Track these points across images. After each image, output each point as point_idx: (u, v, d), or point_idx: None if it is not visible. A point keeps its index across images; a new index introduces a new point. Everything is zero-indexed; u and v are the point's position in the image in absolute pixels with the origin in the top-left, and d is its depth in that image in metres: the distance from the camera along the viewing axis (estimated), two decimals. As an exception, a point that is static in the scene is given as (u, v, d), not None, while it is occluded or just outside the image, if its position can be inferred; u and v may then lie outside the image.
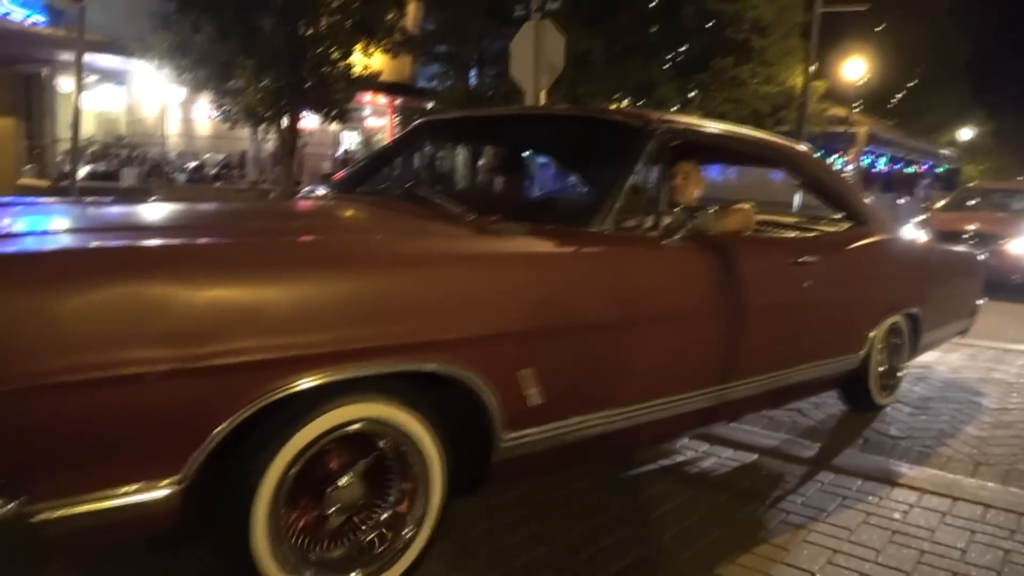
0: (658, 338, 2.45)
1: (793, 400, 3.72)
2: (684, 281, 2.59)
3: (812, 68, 13.08)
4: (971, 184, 15.55)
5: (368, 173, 3.45)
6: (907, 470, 3.19)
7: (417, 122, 3.59)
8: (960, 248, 5.42)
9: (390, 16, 14.12)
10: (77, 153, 11.55)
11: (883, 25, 27.92)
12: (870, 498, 2.89)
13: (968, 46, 37.32)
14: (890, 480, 3.06)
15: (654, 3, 20.35)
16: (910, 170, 30.30)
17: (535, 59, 8.00)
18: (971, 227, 10.19)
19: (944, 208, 12.07)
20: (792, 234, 3.55)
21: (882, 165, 27.53)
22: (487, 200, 3.43)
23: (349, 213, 2.68)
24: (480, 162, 14.78)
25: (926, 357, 5.06)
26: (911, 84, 35.59)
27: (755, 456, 3.31)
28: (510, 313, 1.98)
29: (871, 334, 3.69)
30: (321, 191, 3.39)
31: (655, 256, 2.49)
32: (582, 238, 2.29)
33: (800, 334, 3.23)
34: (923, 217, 11.32)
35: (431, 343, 1.82)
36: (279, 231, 2.16)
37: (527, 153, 4.89)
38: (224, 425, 1.55)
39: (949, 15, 34.57)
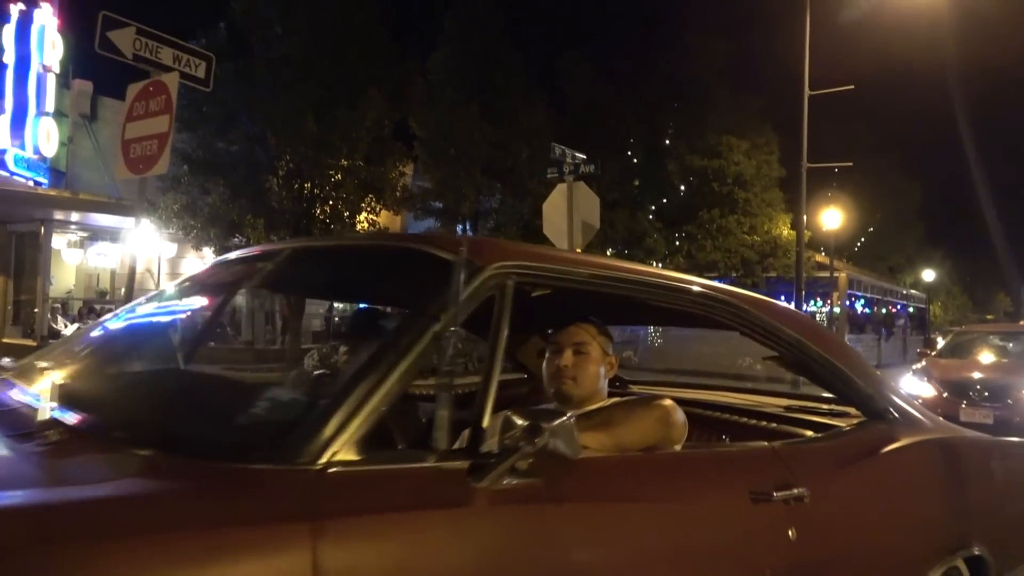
0: None
1: None
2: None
3: (804, 218, 13.66)
4: (962, 328, 15.75)
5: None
6: None
7: (214, 261, 2.69)
8: None
9: (393, 175, 14.50)
10: (63, 310, 11.19)
11: (841, 181, 29.75)
12: None
13: (918, 195, 39.79)
14: None
15: (636, 160, 21.38)
16: (883, 311, 31.31)
17: (569, 219, 8.09)
18: (976, 375, 9.33)
19: (941, 355, 11.23)
20: (763, 444, 2.08)
21: (858, 307, 28.45)
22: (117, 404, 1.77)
23: None
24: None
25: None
26: (870, 230, 37.44)
27: None
28: None
29: None
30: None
31: (442, 525, 1.35)
32: (251, 494, 1.23)
33: None
34: (920, 365, 11.01)
35: None
36: None
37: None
38: None
39: (898, 169, 37.17)
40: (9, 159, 14.31)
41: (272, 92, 12.93)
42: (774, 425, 2.44)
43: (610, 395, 2.15)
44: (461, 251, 1.58)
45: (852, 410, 2.40)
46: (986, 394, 8.82)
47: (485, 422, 1.45)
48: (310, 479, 1.26)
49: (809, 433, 2.28)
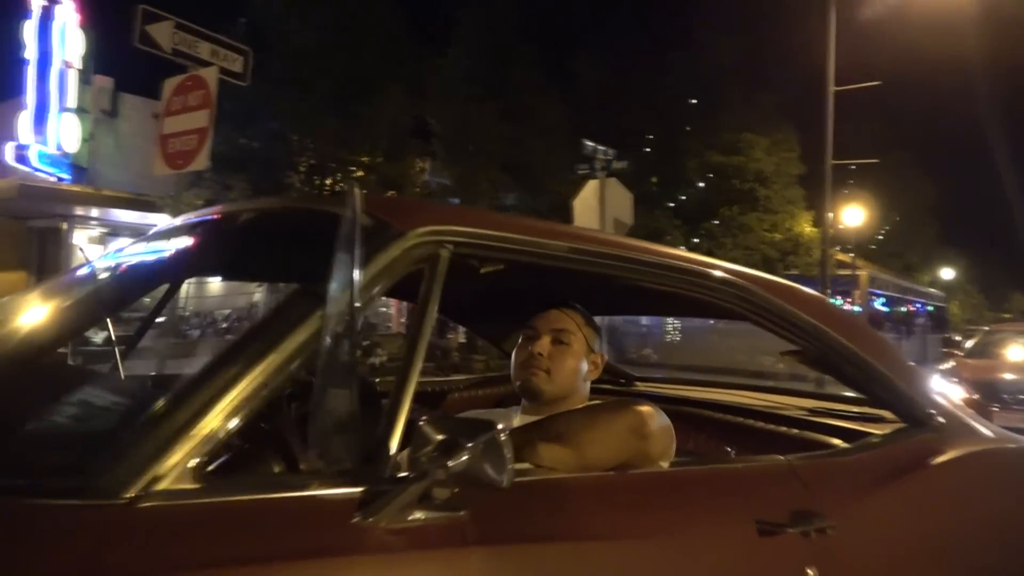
0: None
1: None
2: None
3: (831, 215, 13.53)
4: (992, 326, 15.49)
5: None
6: None
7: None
8: None
9: (413, 171, 14.47)
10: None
11: (859, 178, 29.54)
12: None
13: (935, 192, 39.50)
14: None
15: (654, 157, 21.26)
16: (903, 310, 31.05)
17: (601, 216, 8.01)
18: (1010, 376, 9.05)
19: (970, 355, 11.00)
20: (776, 458, 1.62)
21: (879, 306, 28.24)
22: None
23: None
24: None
25: None
26: (886, 228, 37.19)
27: None
28: None
29: None
30: None
31: None
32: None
33: None
34: (949, 365, 10.78)
35: None
36: None
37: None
38: None
39: (915, 166, 36.89)
40: (32, 155, 14.32)
41: (292, 88, 12.90)
42: (795, 432, 1.98)
43: (600, 396, 1.79)
44: (375, 213, 1.25)
45: (888, 414, 1.93)
46: (1021, 396, 8.52)
47: (394, 436, 1.08)
48: (110, 518, 0.92)
49: (837, 443, 1.81)
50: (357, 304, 1.06)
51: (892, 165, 32.59)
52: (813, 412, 2.16)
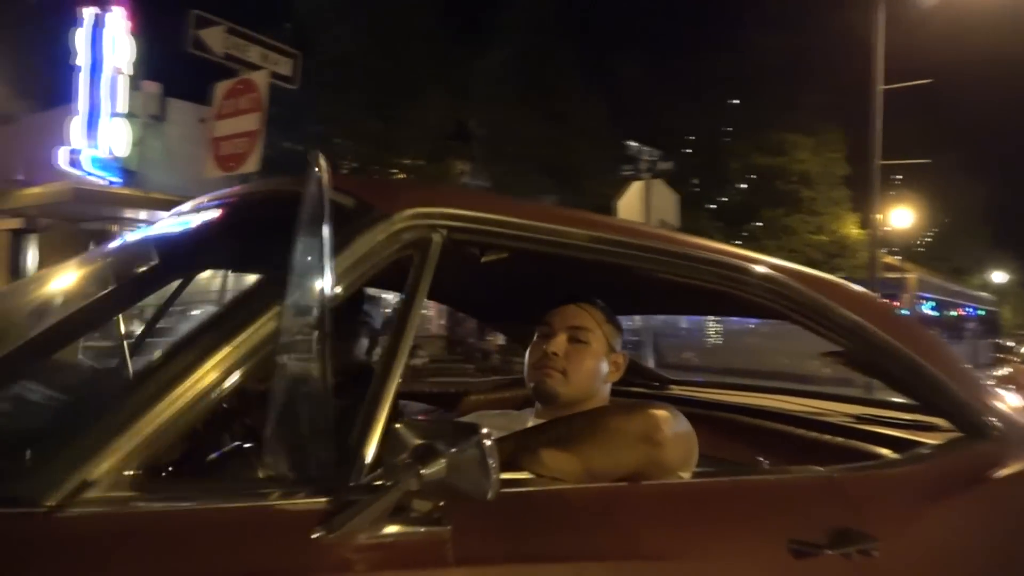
0: None
1: None
2: None
3: (878, 216, 13.21)
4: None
5: None
6: None
7: None
8: None
9: (454, 173, 14.53)
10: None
11: (907, 178, 28.84)
12: None
13: (986, 194, 38.37)
14: None
15: (695, 158, 21.02)
16: (952, 314, 30.23)
17: (645, 217, 7.92)
18: None
19: None
20: (815, 469, 1.44)
21: (928, 310, 27.54)
22: None
23: None
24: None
25: None
26: (934, 230, 36.27)
27: None
28: None
29: None
30: None
31: None
32: None
33: None
34: (1005, 371, 10.52)
35: None
36: None
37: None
38: None
39: (966, 166, 35.88)
40: (85, 159, 14.69)
41: (335, 92, 13.02)
42: (838, 440, 1.81)
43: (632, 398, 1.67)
44: (357, 193, 1.14)
45: (943, 423, 1.75)
46: None
47: (370, 440, 0.95)
48: (27, 529, 0.81)
49: (884, 453, 1.63)
50: (330, 292, 0.95)
51: (942, 165, 31.80)
52: (859, 419, 1.97)
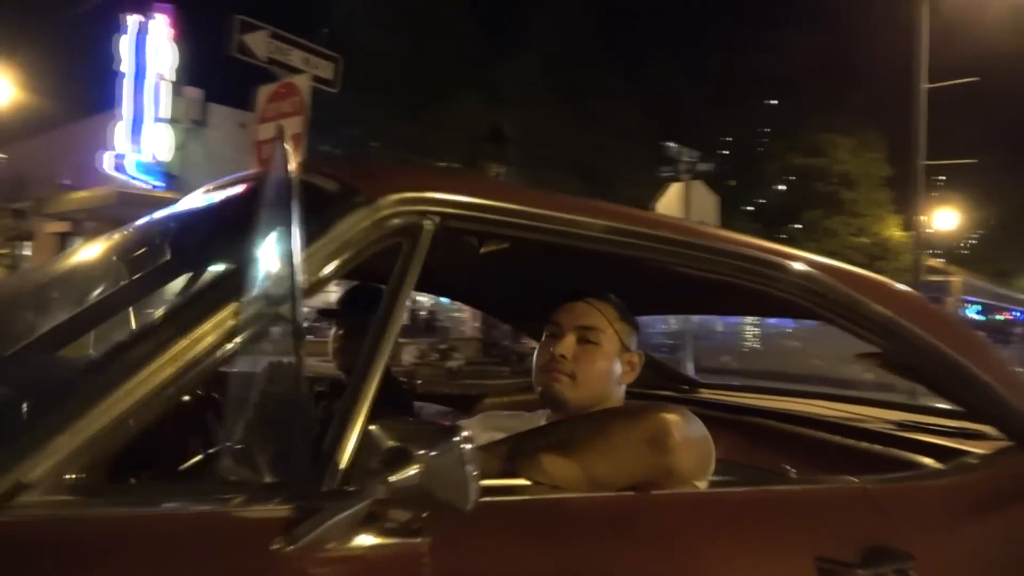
0: None
1: None
2: None
3: (923, 218, 12.90)
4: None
5: None
6: None
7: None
8: None
9: (489, 175, 14.54)
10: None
11: (950, 179, 28.15)
12: None
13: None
14: None
15: (731, 159, 20.79)
16: (998, 318, 29.51)
17: (685, 218, 7.82)
18: None
19: None
20: (848, 480, 1.32)
21: (973, 313, 26.93)
22: None
23: None
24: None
25: None
26: (979, 232, 35.41)
27: None
28: None
29: None
30: None
31: None
32: None
33: None
34: None
35: None
36: None
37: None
38: None
39: (1013, 167, 34.95)
40: (129, 164, 15.05)
41: (372, 96, 13.13)
42: (876, 448, 1.67)
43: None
44: (341, 177, 1.07)
45: (991, 430, 1.61)
46: None
47: (345, 443, 0.87)
48: None
49: (927, 462, 1.50)
50: (301, 281, 0.88)
51: (987, 165, 31.01)
52: (900, 426, 1.82)
